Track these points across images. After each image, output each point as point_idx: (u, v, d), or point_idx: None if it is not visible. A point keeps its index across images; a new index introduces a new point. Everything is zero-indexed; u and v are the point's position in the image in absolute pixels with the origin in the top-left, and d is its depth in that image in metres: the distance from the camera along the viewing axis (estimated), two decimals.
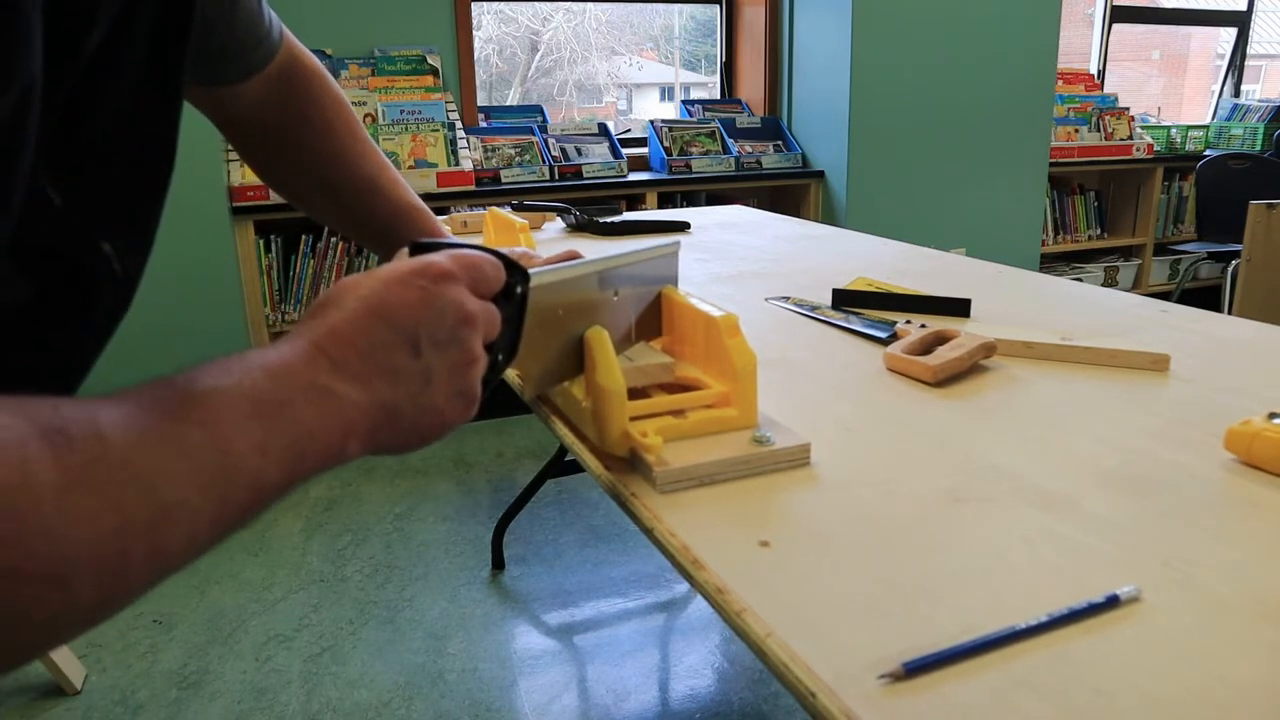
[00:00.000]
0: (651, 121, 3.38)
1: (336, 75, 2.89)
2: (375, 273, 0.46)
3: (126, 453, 0.33)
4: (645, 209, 3.16)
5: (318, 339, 0.43)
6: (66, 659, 1.71)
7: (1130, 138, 3.97)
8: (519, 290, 0.54)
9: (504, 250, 0.90)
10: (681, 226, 1.78)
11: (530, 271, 0.55)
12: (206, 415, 0.36)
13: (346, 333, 0.43)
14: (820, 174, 3.36)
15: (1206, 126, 4.41)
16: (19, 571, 0.30)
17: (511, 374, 0.74)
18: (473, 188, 2.90)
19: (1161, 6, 4.76)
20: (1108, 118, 3.94)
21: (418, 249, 0.49)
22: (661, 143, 3.31)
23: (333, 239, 2.82)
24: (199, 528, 0.35)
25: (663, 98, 5.25)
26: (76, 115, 0.45)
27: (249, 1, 0.67)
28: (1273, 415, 0.62)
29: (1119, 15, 4.31)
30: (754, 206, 2.37)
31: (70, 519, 0.31)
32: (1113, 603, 0.45)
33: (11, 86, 0.37)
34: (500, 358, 0.53)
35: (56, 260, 0.45)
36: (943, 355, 0.82)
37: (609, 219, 1.79)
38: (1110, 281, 4.09)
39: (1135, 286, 4.13)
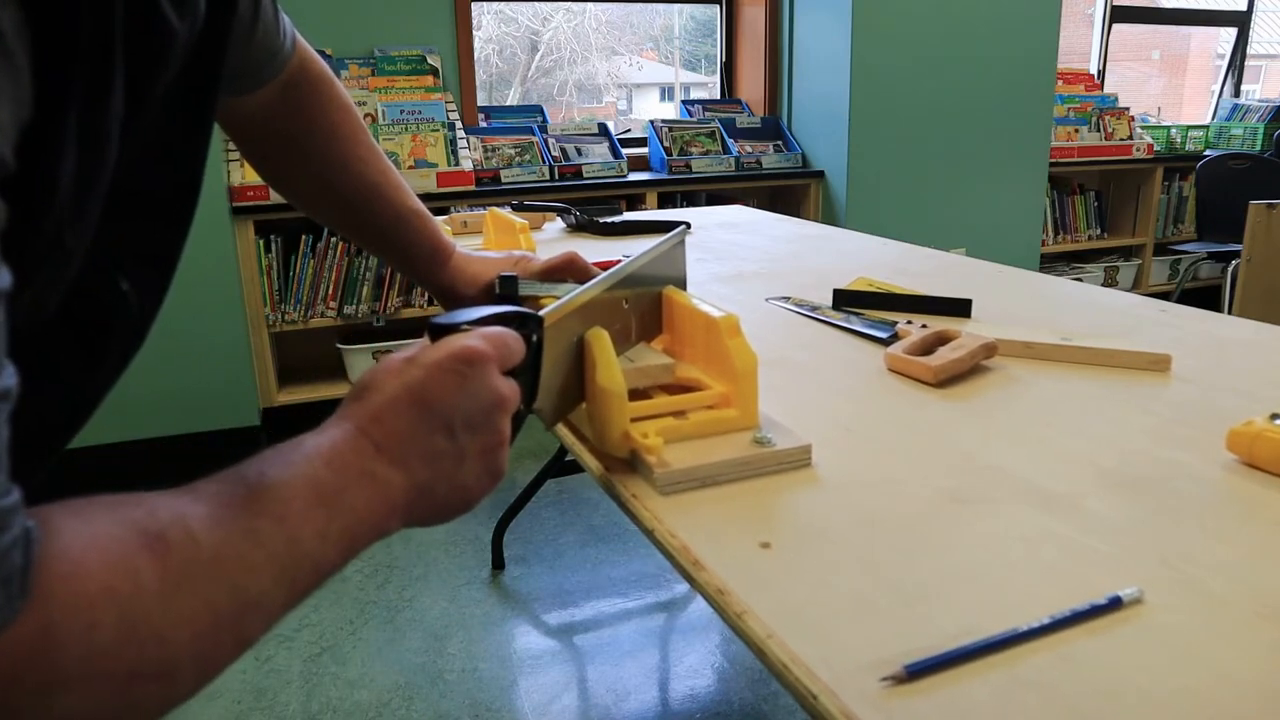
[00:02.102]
0: (651, 121, 3.38)
1: (336, 75, 2.88)
2: (415, 358, 0.48)
3: (215, 551, 0.37)
4: (645, 209, 3.15)
5: (362, 424, 0.45)
6: None
7: (1130, 138, 3.97)
8: (535, 339, 0.55)
9: (503, 254, 0.90)
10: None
11: (544, 313, 0.56)
12: (278, 509, 0.40)
13: (388, 418, 0.46)
14: (820, 174, 3.36)
15: (1206, 126, 4.41)
16: (136, 673, 0.33)
17: None
18: (473, 188, 2.90)
19: (1161, 6, 4.76)
20: (1108, 118, 3.94)
21: (438, 330, 0.50)
22: (661, 143, 3.31)
23: (333, 239, 2.82)
24: (274, 612, 0.39)
25: (663, 98, 5.25)
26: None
27: (268, 18, 0.67)
28: (1274, 416, 0.62)
29: (1119, 15, 4.31)
30: (754, 206, 2.37)
31: (174, 621, 0.34)
32: (1115, 604, 0.45)
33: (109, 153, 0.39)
34: (522, 408, 0.54)
35: (73, 297, 0.45)
36: (944, 356, 0.82)
37: (609, 219, 1.79)
38: (1110, 281, 4.09)
39: (1135, 286, 4.13)
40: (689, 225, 1.80)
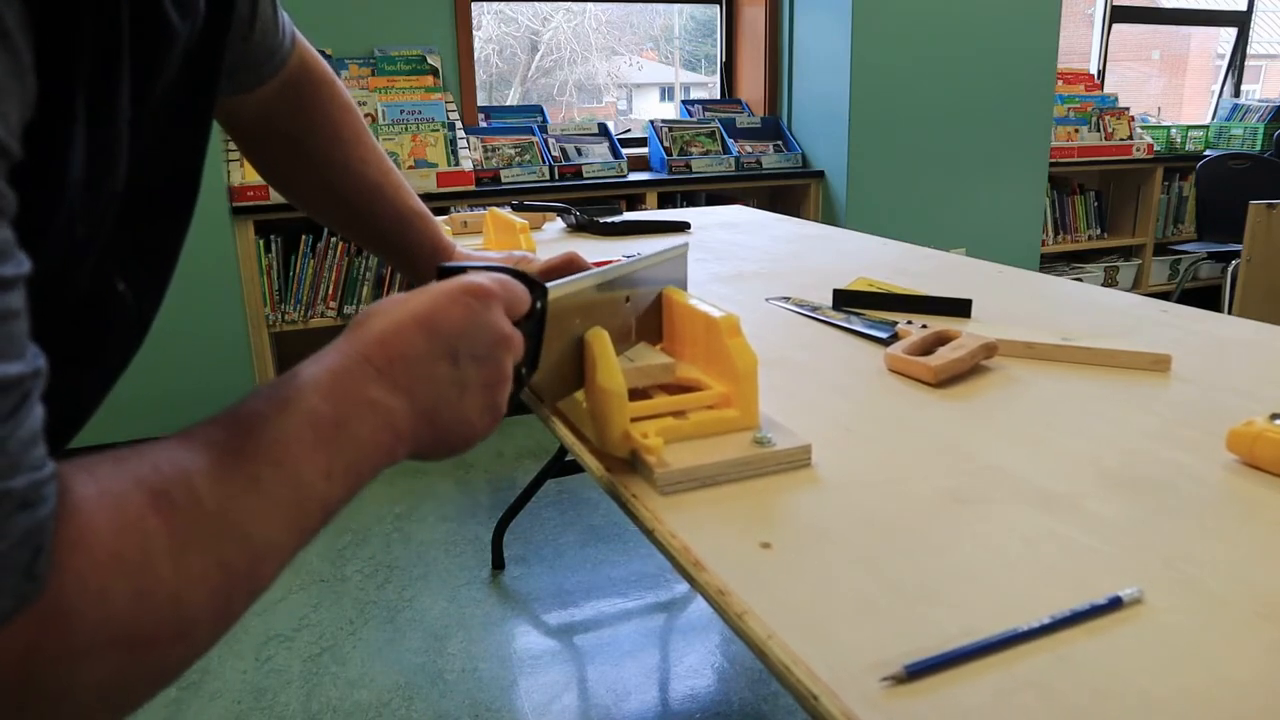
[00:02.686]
0: (651, 121, 3.38)
1: (336, 75, 2.88)
2: (422, 289, 0.48)
3: (220, 505, 0.36)
4: (645, 209, 3.15)
5: (364, 348, 0.45)
6: None
7: (1130, 138, 3.97)
8: (538, 305, 0.55)
9: (503, 254, 0.90)
10: (681, 226, 1.78)
11: (548, 286, 0.56)
12: (278, 453, 0.39)
13: (392, 341, 0.45)
14: (820, 174, 3.36)
15: (1206, 126, 4.41)
16: (152, 639, 0.33)
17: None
18: (473, 188, 2.90)
19: (1161, 6, 4.76)
20: (1108, 118, 3.94)
21: (446, 272, 0.51)
22: (661, 143, 3.31)
23: (333, 239, 2.82)
24: (284, 557, 0.39)
25: (663, 98, 5.25)
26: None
27: (266, 16, 0.67)
28: (1274, 416, 0.62)
29: (1119, 15, 4.31)
30: (754, 206, 2.37)
31: (187, 581, 0.34)
32: (1115, 605, 0.45)
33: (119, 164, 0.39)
34: (524, 371, 0.55)
35: (70, 298, 0.45)
36: (944, 356, 0.82)
37: (609, 219, 1.79)
38: (1110, 281, 4.09)
39: (1135, 286, 4.13)
40: (689, 225, 1.80)
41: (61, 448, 0.51)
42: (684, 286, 0.78)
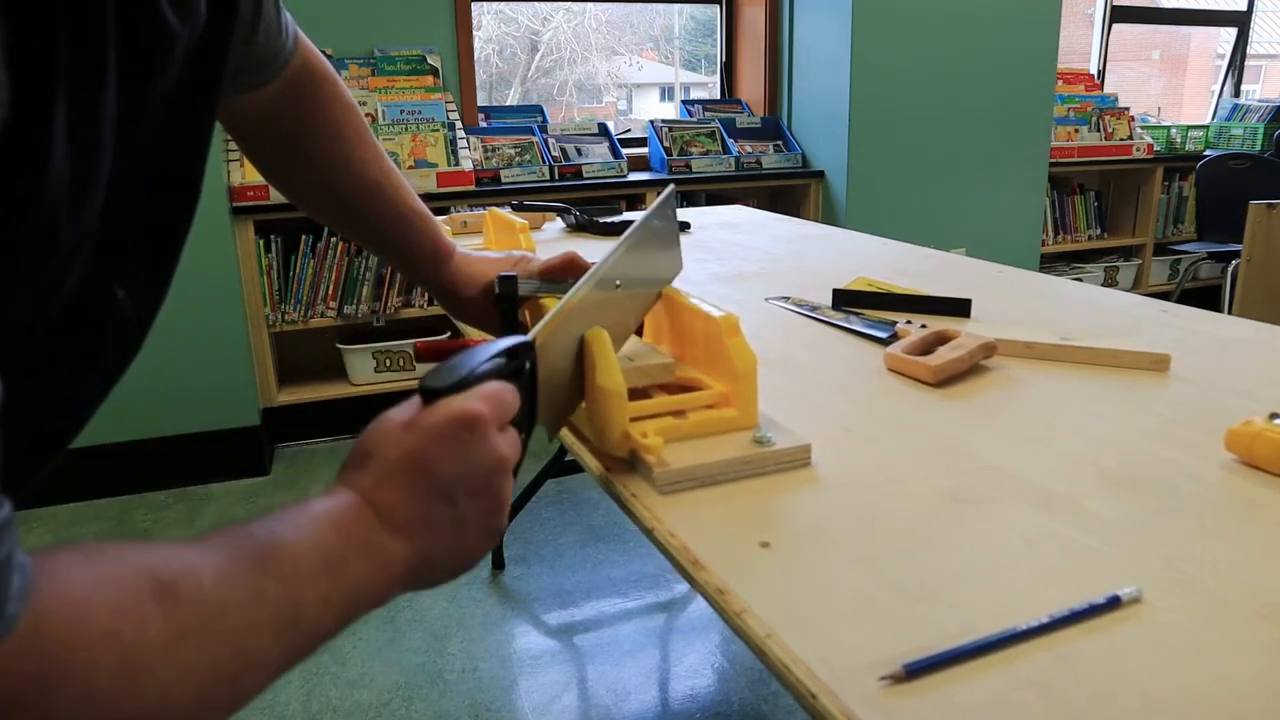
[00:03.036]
0: (651, 121, 3.38)
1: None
2: (414, 423, 0.46)
3: (222, 606, 0.36)
4: (645, 209, 3.15)
5: (365, 492, 0.45)
6: None
7: (1130, 138, 3.97)
8: (528, 366, 0.54)
9: (502, 254, 0.90)
10: (681, 226, 1.78)
11: (533, 335, 0.55)
12: (286, 569, 0.40)
13: (389, 487, 0.45)
14: (820, 174, 3.36)
15: (1206, 126, 4.41)
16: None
17: None
18: (473, 188, 2.90)
19: (1161, 6, 4.76)
20: (1108, 118, 3.94)
21: (430, 396, 0.47)
22: (661, 143, 3.31)
23: (333, 239, 2.82)
24: (270, 673, 0.39)
25: (663, 98, 5.25)
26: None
27: (269, 17, 0.66)
28: (1274, 415, 0.62)
29: (1119, 15, 4.31)
30: (754, 206, 2.37)
31: (177, 673, 0.34)
32: (1114, 604, 0.45)
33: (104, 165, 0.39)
34: (524, 435, 0.53)
35: (63, 303, 0.44)
36: (943, 355, 0.82)
37: (609, 219, 1.79)
38: (1110, 281, 4.09)
39: (1135, 286, 4.13)
40: (689, 225, 1.80)
41: (59, 453, 0.50)
42: (677, 242, 0.77)
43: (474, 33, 3.15)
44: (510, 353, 0.53)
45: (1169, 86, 5.60)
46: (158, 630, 0.33)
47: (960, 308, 1.04)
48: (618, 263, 0.67)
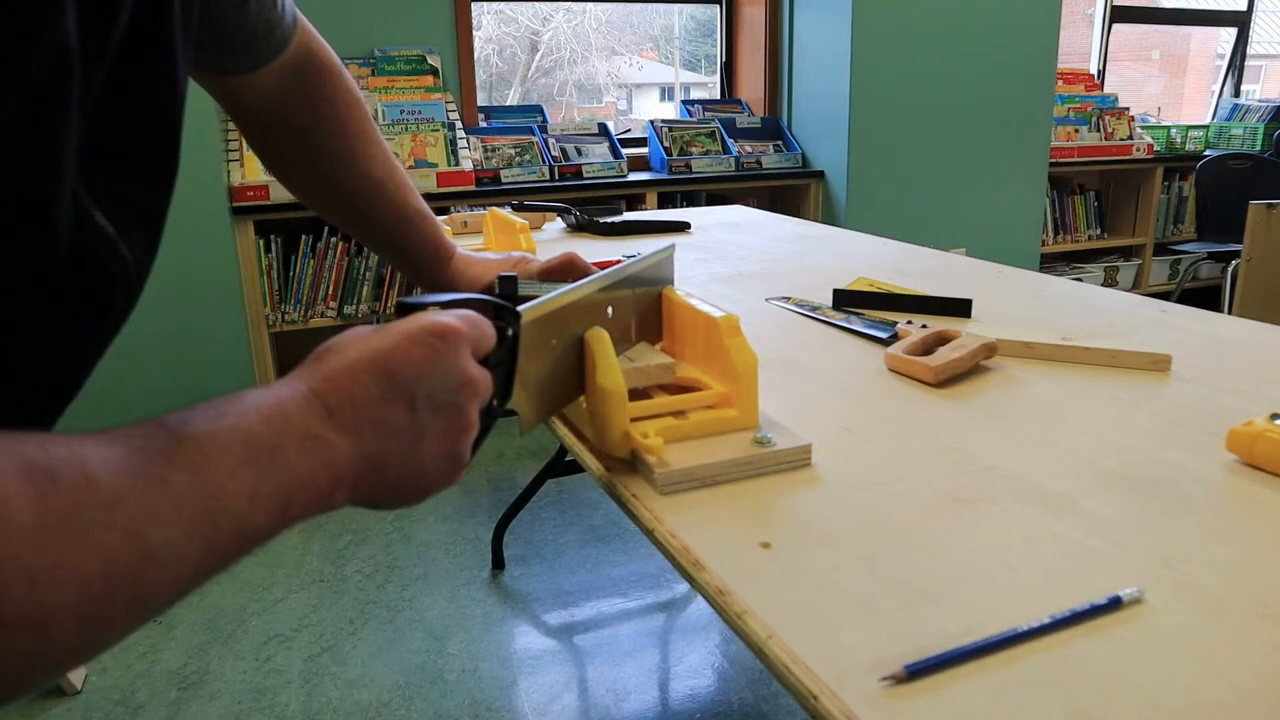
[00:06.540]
0: (651, 121, 3.38)
1: None
2: (386, 327, 0.45)
3: (114, 494, 0.33)
4: (645, 209, 3.15)
5: (315, 385, 0.42)
6: None
7: (1130, 138, 3.97)
8: (510, 333, 0.53)
9: (502, 255, 0.90)
10: (681, 226, 1.78)
11: (521, 309, 0.54)
12: (198, 459, 0.36)
13: (344, 381, 0.43)
14: (820, 174, 3.36)
15: (1206, 126, 4.41)
16: None
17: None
18: (473, 188, 2.90)
19: (1161, 6, 4.76)
20: (1108, 118, 3.94)
21: (407, 308, 0.48)
22: (661, 143, 3.31)
23: (333, 239, 2.82)
24: (184, 572, 0.35)
25: (663, 98, 5.25)
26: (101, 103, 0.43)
27: None
28: (1274, 416, 0.62)
29: (1119, 15, 4.31)
30: (754, 206, 2.37)
31: (51, 562, 0.30)
32: (1115, 604, 0.45)
33: (44, 39, 0.36)
34: (495, 403, 0.52)
35: (71, 254, 0.43)
36: (944, 356, 0.82)
37: (609, 219, 1.79)
38: (1110, 281, 4.09)
39: (1135, 286, 4.13)
40: (689, 225, 1.80)
41: (61, 410, 0.50)
42: (670, 279, 0.77)
43: (474, 33, 3.15)
44: (496, 309, 0.52)
45: (1169, 86, 5.60)
46: (25, 515, 0.30)
47: (961, 308, 1.04)
48: (620, 281, 0.67)
